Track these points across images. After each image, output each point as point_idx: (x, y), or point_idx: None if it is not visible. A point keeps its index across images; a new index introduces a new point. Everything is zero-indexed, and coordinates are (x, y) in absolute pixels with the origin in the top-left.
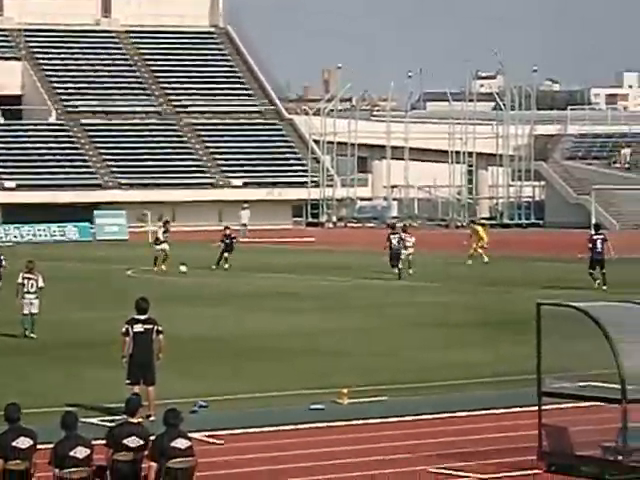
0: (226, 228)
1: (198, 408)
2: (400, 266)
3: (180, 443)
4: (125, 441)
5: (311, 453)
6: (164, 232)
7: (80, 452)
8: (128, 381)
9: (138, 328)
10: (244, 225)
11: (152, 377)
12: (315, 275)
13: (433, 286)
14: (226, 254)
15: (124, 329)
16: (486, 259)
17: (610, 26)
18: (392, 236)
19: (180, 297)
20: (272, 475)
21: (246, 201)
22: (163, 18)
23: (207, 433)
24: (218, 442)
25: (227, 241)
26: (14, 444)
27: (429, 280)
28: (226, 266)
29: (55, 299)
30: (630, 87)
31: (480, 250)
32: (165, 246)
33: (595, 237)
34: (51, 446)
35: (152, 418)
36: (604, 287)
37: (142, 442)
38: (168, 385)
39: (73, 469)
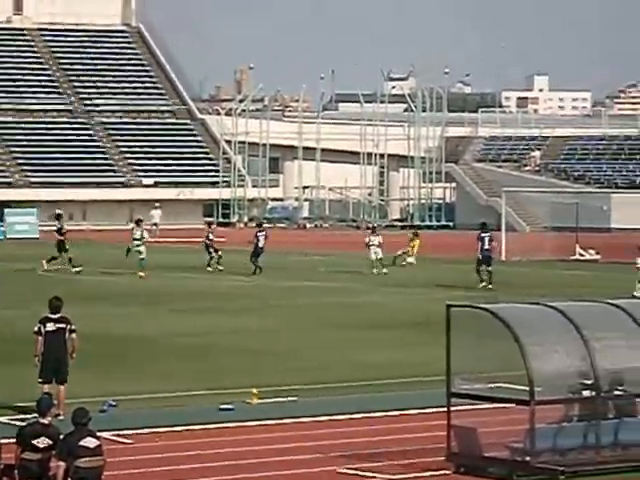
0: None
1: (107, 407)
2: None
3: (89, 442)
4: (34, 441)
5: (220, 453)
6: (140, 232)
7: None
8: (40, 380)
9: (50, 327)
10: (155, 225)
11: (64, 376)
12: (224, 275)
13: (346, 286)
14: (213, 253)
15: (36, 328)
16: (411, 260)
17: (522, 29)
18: (259, 234)
19: (91, 296)
20: (180, 475)
21: (157, 200)
22: (75, 16)
23: (116, 432)
24: (127, 441)
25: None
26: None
27: (342, 281)
28: (221, 268)
29: None
30: (540, 90)
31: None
32: (141, 248)
33: (483, 235)
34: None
35: (61, 417)
36: (490, 285)
37: (51, 442)
38: (79, 384)
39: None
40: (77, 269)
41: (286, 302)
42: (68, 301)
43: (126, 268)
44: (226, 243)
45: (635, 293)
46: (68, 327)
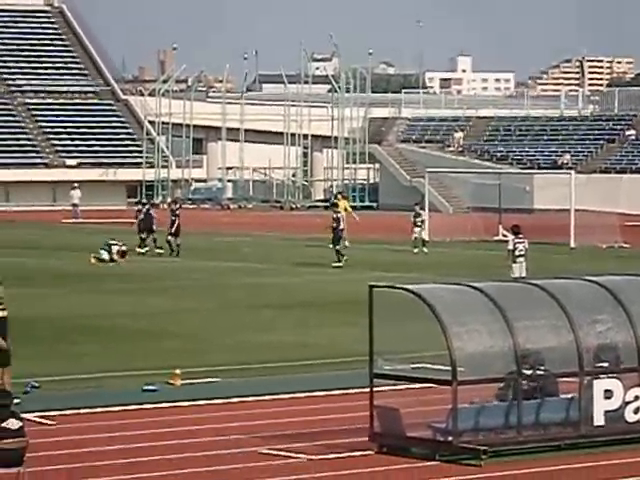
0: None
1: (30, 389)
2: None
3: (11, 424)
4: (4, 424)
5: (143, 434)
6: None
7: (13, 424)
8: None
9: None
10: (75, 205)
11: None
12: (147, 257)
13: (269, 268)
14: (170, 238)
15: None
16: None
17: (445, 10)
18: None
19: (12, 278)
20: (104, 456)
21: (78, 181)
22: None
23: (39, 414)
24: (50, 423)
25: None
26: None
27: (264, 261)
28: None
29: None
30: (464, 71)
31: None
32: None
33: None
34: None
35: None
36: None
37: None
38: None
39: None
40: None
41: (207, 283)
42: None
43: (44, 249)
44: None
45: (512, 274)
46: None
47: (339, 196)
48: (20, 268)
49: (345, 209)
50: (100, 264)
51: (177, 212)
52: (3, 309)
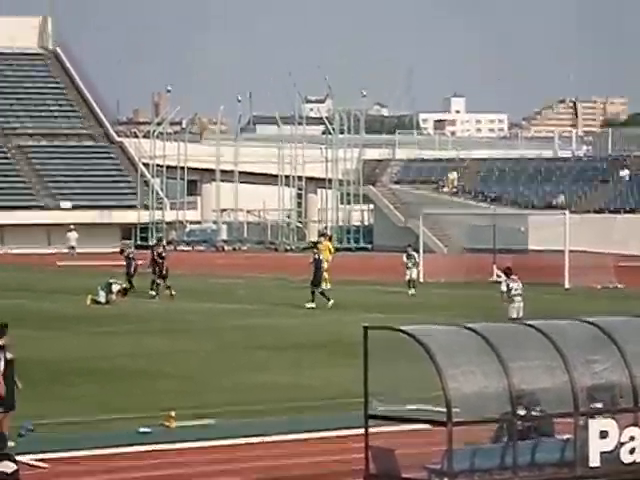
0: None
1: (25, 432)
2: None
3: (6, 467)
4: None
5: (137, 477)
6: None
7: (8, 467)
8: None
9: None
10: (72, 247)
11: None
12: (144, 298)
13: (263, 309)
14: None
15: None
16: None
17: (437, 50)
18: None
19: (8, 320)
20: None
21: (73, 224)
22: None
23: (33, 457)
24: (43, 466)
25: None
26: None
27: (258, 303)
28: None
29: None
30: (457, 112)
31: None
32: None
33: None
34: None
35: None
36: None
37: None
38: None
39: None
40: None
41: (202, 324)
42: None
43: (41, 291)
44: (144, 265)
45: (510, 315)
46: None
47: (322, 238)
48: (16, 310)
49: (329, 250)
50: (97, 306)
51: (163, 255)
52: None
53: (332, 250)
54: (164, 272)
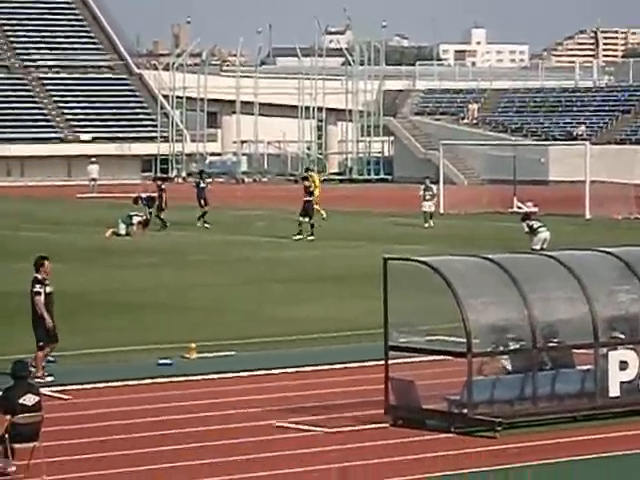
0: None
1: (45, 363)
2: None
3: (28, 400)
4: (21, 400)
5: (159, 408)
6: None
7: (29, 399)
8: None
9: (49, 289)
10: (93, 180)
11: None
12: (162, 231)
13: (284, 242)
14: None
15: (37, 288)
16: (324, 214)
17: None
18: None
19: (25, 253)
20: (120, 430)
21: (94, 156)
22: None
23: (55, 388)
24: (65, 397)
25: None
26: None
27: (280, 235)
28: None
29: None
30: (478, 44)
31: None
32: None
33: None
34: None
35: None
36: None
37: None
38: (10, 340)
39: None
40: None
41: (222, 257)
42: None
43: (62, 224)
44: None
45: (533, 246)
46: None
47: (310, 172)
48: (39, 243)
49: (315, 184)
50: (117, 238)
51: (162, 187)
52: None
53: (318, 184)
54: (163, 205)
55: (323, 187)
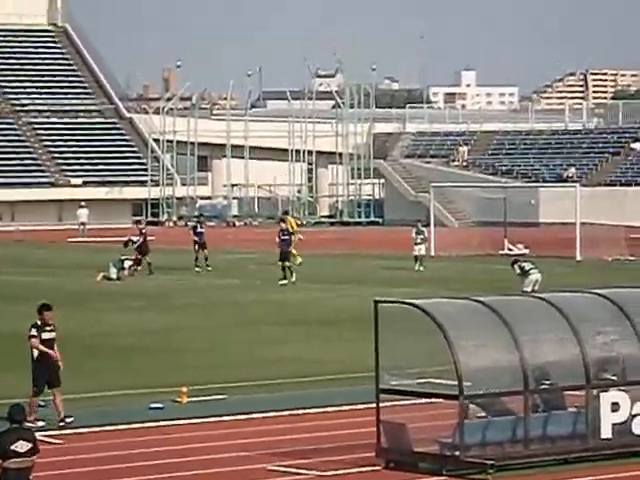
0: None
1: (36, 408)
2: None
3: (20, 447)
4: (13, 447)
5: (150, 452)
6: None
7: (21, 446)
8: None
9: (46, 335)
10: (82, 224)
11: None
12: (154, 274)
13: (275, 285)
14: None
15: (34, 332)
16: (300, 260)
17: (449, 25)
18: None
19: (14, 296)
20: (110, 474)
21: (84, 200)
22: (1, 16)
23: (46, 433)
24: (57, 442)
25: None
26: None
27: (269, 278)
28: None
29: None
30: (468, 86)
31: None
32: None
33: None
34: None
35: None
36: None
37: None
38: (6, 384)
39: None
40: None
41: (215, 300)
42: None
43: (53, 267)
44: (155, 242)
45: (524, 288)
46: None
47: (286, 215)
48: (30, 287)
49: (292, 227)
50: (108, 282)
51: (143, 230)
52: (52, 330)
53: (295, 227)
54: (145, 248)
55: (313, 230)
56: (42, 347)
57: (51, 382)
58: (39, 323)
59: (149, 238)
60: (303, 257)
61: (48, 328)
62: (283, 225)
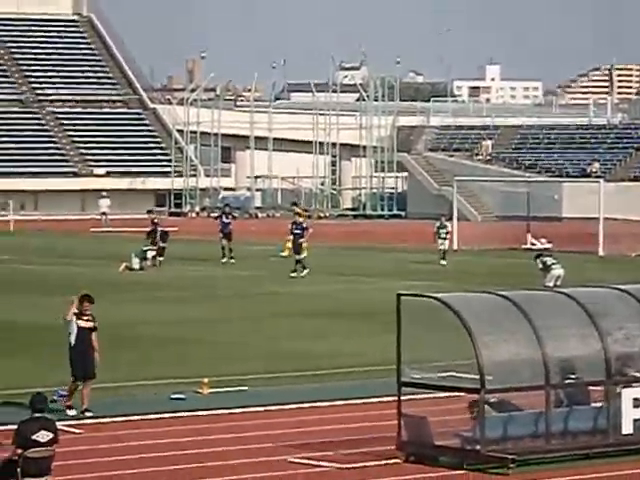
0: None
1: (58, 397)
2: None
3: (41, 437)
4: (34, 437)
5: (171, 443)
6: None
7: (43, 436)
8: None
9: (82, 323)
10: (104, 214)
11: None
12: (176, 265)
13: (299, 277)
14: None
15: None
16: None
17: (474, 19)
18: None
19: (41, 287)
20: (130, 465)
21: (107, 190)
22: (25, 5)
23: (67, 422)
24: (77, 432)
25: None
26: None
27: (282, 272)
28: (161, 259)
29: None
30: (492, 80)
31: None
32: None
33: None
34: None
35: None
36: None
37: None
38: (22, 373)
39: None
40: None
41: (236, 291)
42: (13, 290)
43: (76, 258)
44: (178, 232)
45: (546, 283)
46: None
47: (295, 206)
48: (52, 276)
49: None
50: (130, 272)
51: (156, 221)
52: (89, 320)
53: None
54: (157, 240)
55: (336, 223)
56: (70, 315)
57: (87, 374)
58: (77, 312)
59: (168, 229)
60: (328, 250)
61: (85, 317)
62: (300, 219)
